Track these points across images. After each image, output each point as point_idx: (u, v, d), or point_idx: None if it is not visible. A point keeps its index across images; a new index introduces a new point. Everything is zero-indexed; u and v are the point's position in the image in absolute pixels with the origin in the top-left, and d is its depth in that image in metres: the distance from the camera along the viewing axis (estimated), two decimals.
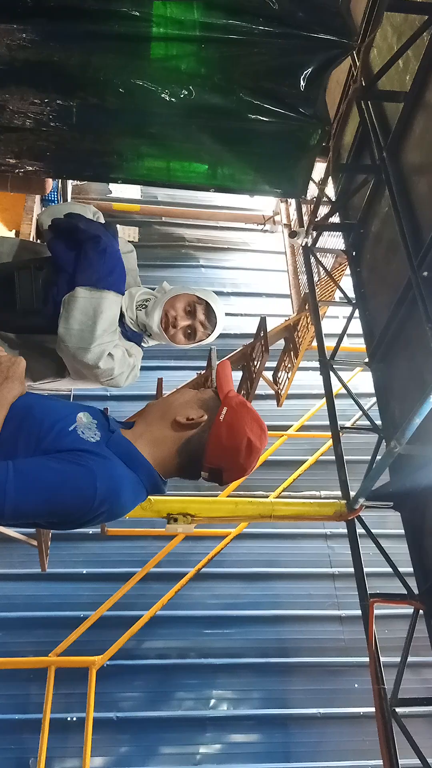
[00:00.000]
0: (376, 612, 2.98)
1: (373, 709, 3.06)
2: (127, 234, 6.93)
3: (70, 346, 1.92)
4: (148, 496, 1.51)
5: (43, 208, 2.27)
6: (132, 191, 7.39)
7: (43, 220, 2.08)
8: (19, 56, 2.68)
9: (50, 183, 5.34)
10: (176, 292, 2.12)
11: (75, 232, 1.97)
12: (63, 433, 1.38)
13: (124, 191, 7.35)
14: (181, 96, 2.90)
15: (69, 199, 6.71)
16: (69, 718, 4.38)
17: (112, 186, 7.28)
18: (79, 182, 7.01)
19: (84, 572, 5.10)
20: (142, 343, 2.21)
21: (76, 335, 1.91)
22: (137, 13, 2.66)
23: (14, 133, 2.95)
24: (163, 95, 2.88)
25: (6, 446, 1.35)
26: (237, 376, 4.90)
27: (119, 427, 1.49)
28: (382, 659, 2.89)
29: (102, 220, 2.17)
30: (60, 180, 6.25)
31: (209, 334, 2.13)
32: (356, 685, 4.70)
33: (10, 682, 4.45)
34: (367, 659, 2.99)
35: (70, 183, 6.69)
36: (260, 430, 1.50)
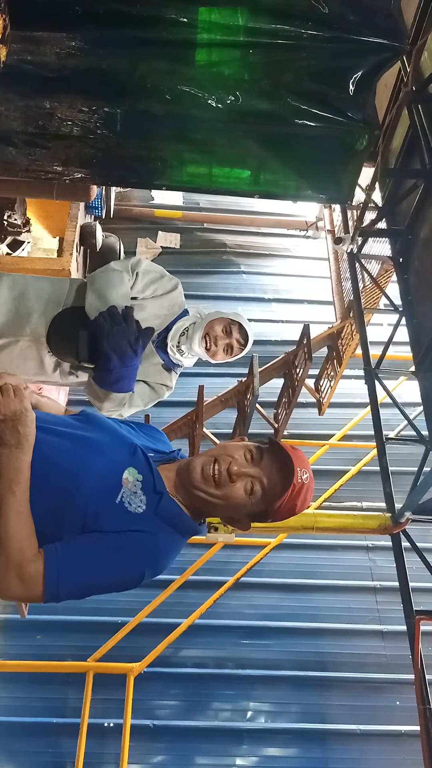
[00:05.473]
0: (420, 629, 2.89)
1: (415, 728, 2.97)
2: (168, 241, 6.94)
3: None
4: None
5: (96, 272, 2.45)
6: (174, 198, 7.40)
7: (90, 299, 2.36)
8: (68, 64, 2.70)
9: (95, 190, 5.39)
10: (213, 317, 2.55)
11: (101, 339, 2.29)
12: (109, 510, 1.41)
13: (166, 198, 7.36)
14: (228, 102, 2.88)
15: (112, 204, 6.76)
16: (106, 724, 4.37)
17: (154, 193, 7.31)
18: (122, 189, 7.06)
19: None
20: (176, 368, 2.64)
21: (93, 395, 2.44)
22: (184, 20, 2.66)
23: (62, 141, 2.97)
24: (209, 101, 2.87)
25: (52, 525, 1.38)
26: (278, 383, 4.85)
27: (163, 481, 1.50)
28: (427, 678, 2.81)
29: (147, 267, 2.47)
30: (104, 187, 6.30)
31: (242, 350, 2.58)
32: (398, 703, 4.57)
33: (49, 685, 4.47)
34: (409, 676, 2.90)
35: (113, 190, 6.75)
36: (310, 499, 1.55)
